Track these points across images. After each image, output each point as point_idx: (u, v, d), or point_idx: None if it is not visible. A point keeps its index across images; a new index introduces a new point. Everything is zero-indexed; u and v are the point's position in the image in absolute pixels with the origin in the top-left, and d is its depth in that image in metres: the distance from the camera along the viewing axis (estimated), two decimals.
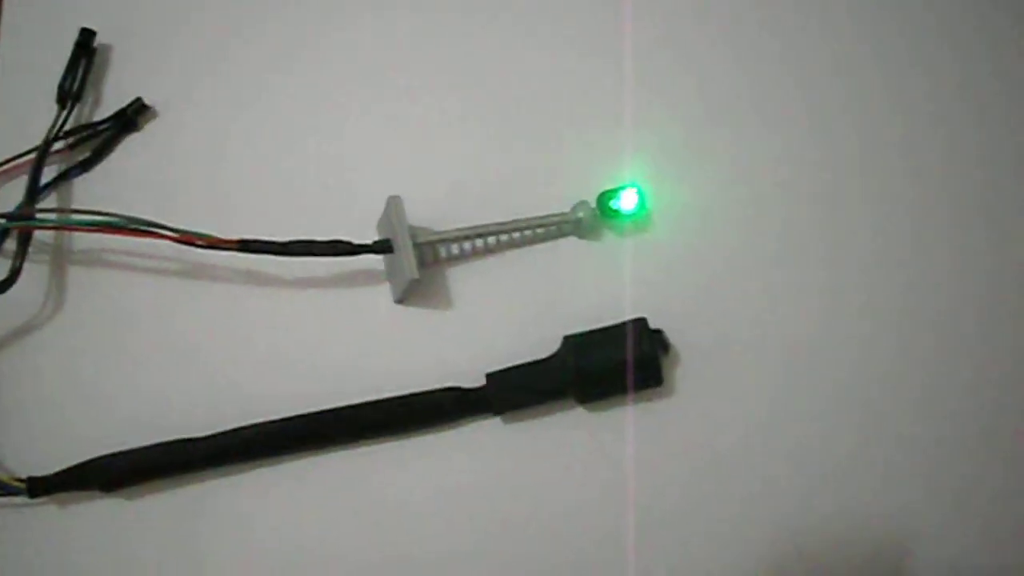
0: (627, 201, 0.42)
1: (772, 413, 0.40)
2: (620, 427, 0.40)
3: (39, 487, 0.38)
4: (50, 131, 0.42)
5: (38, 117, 0.43)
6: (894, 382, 0.41)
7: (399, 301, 0.41)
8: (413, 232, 0.40)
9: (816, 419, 0.40)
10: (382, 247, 0.40)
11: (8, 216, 0.41)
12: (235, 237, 0.39)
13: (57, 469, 0.38)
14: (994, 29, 0.46)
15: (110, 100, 0.45)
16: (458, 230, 0.41)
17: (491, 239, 0.42)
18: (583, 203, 0.42)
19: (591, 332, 0.40)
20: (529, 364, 0.40)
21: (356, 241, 0.40)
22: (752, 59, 0.46)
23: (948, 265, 0.43)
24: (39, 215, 0.41)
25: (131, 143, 0.44)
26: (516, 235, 0.42)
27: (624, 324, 0.40)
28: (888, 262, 0.43)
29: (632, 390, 0.40)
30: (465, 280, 0.42)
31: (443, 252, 0.42)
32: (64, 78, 0.44)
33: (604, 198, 0.42)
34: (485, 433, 0.40)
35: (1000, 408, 0.41)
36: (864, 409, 0.41)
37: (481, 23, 0.46)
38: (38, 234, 0.42)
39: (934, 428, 0.40)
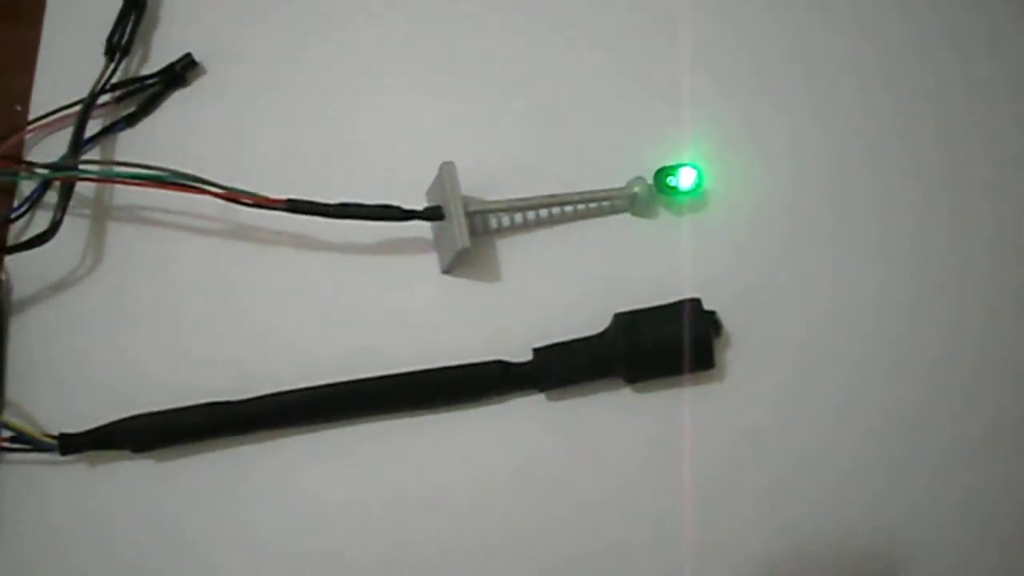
0: (685, 179, 0.41)
1: (824, 400, 0.39)
2: (668, 409, 0.39)
3: (71, 444, 0.37)
4: (96, 84, 0.42)
5: (85, 69, 0.42)
6: (947, 366, 0.40)
7: (447, 271, 0.40)
8: (465, 201, 0.39)
9: (869, 405, 0.40)
10: (433, 213, 0.39)
11: (51, 167, 0.40)
12: (282, 197, 0.38)
13: (89, 427, 0.37)
14: None
15: (158, 55, 0.44)
16: (510, 200, 0.40)
17: (543, 211, 0.41)
18: (639, 179, 0.41)
19: (642, 311, 0.39)
20: (577, 340, 0.39)
21: (406, 207, 0.39)
22: (813, 45, 0.45)
23: (989, 263, 0.42)
24: (82, 167, 0.40)
25: (178, 99, 0.44)
26: (569, 208, 0.41)
27: (677, 304, 0.39)
28: (939, 251, 0.42)
29: (683, 372, 0.39)
30: (515, 252, 0.41)
31: (494, 223, 0.41)
32: (113, 31, 0.43)
33: (661, 175, 0.41)
34: (529, 409, 0.39)
35: None
36: (919, 396, 0.40)
37: None
38: (80, 187, 0.41)
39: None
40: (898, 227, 0.42)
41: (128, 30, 0.43)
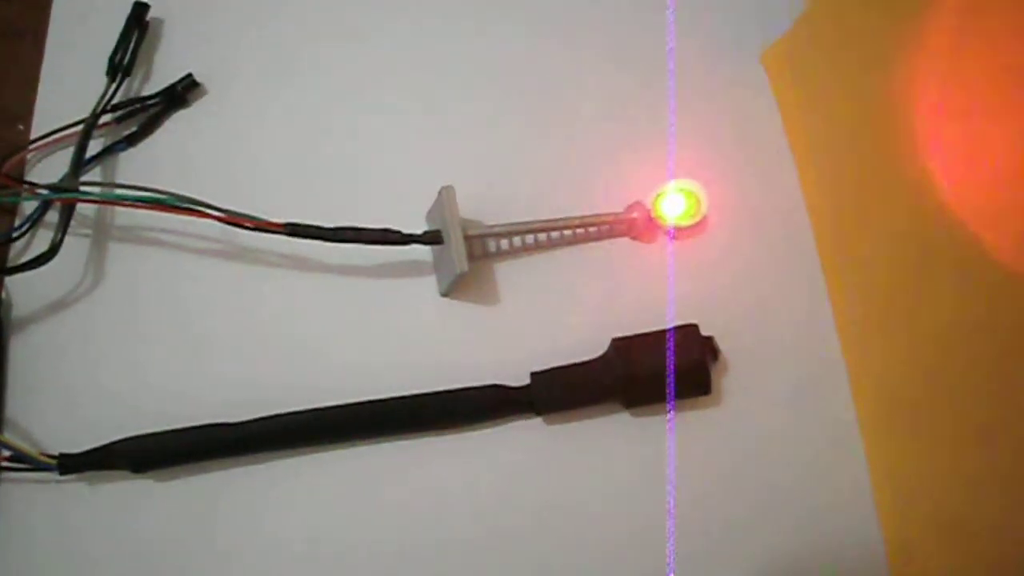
0: (682, 204, 0.41)
1: (822, 426, 0.39)
2: (665, 434, 0.39)
3: (70, 464, 0.38)
4: (98, 104, 0.42)
5: (87, 89, 0.42)
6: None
7: (445, 294, 0.41)
8: (464, 225, 0.39)
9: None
10: (432, 238, 0.39)
11: (53, 188, 0.40)
12: (282, 221, 0.38)
13: (88, 447, 0.38)
14: None
15: (160, 75, 0.44)
16: (510, 225, 0.40)
17: (542, 236, 0.41)
18: (637, 204, 0.41)
19: (640, 336, 0.39)
20: (575, 365, 0.39)
21: (405, 231, 0.39)
22: None
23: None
24: (83, 188, 0.40)
25: (179, 119, 0.44)
26: (568, 233, 0.41)
27: (674, 329, 0.39)
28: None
29: (679, 397, 0.39)
30: (514, 276, 0.41)
31: (493, 247, 0.41)
32: (115, 51, 0.43)
33: (659, 200, 0.41)
34: (527, 433, 0.39)
35: None
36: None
37: (548, 22, 0.45)
38: (80, 207, 0.41)
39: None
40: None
41: (130, 50, 0.44)
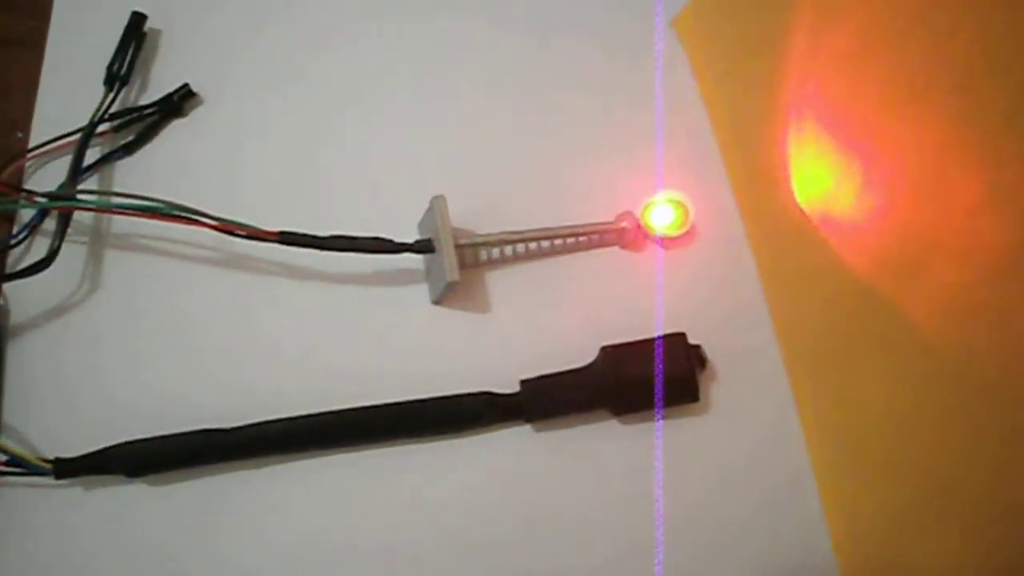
0: (671, 215, 0.41)
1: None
2: (653, 442, 0.39)
3: (65, 469, 0.38)
4: (96, 113, 0.43)
5: (85, 98, 0.43)
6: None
7: (437, 302, 0.41)
8: (455, 234, 0.39)
9: None
10: (424, 247, 0.39)
11: (51, 196, 0.41)
12: (275, 229, 0.39)
13: (84, 451, 0.38)
14: None
15: (157, 85, 0.45)
16: (500, 234, 0.41)
17: (533, 245, 0.41)
18: (627, 213, 0.41)
19: (629, 344, 0.39)
20: (565, 373, 0.39)
21: (397, 239, 0.39)
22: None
23: None
24: (80, 196, 0.41)
25: (175, 128, 0.44)
26: (558, 242, 0.42)
27: (663, 338, 0.39)
28: None
29: (667, 405, 0.39)
30: (504, 285, 0.42)
31: (484, 255, 0.41)
32: (113, 60, 0.44)
33: (648, 210, 0.41)
34: (516, 440, 0.40)
35: None
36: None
37: (537, 32, 0.46)
38: (78, 214, 0.42)
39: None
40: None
41: (128, 60, 0.44)
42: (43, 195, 0.41)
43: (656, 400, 0.39)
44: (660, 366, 0.39)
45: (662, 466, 0.39)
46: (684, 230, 0.42)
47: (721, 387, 0.40)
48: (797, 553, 0.38)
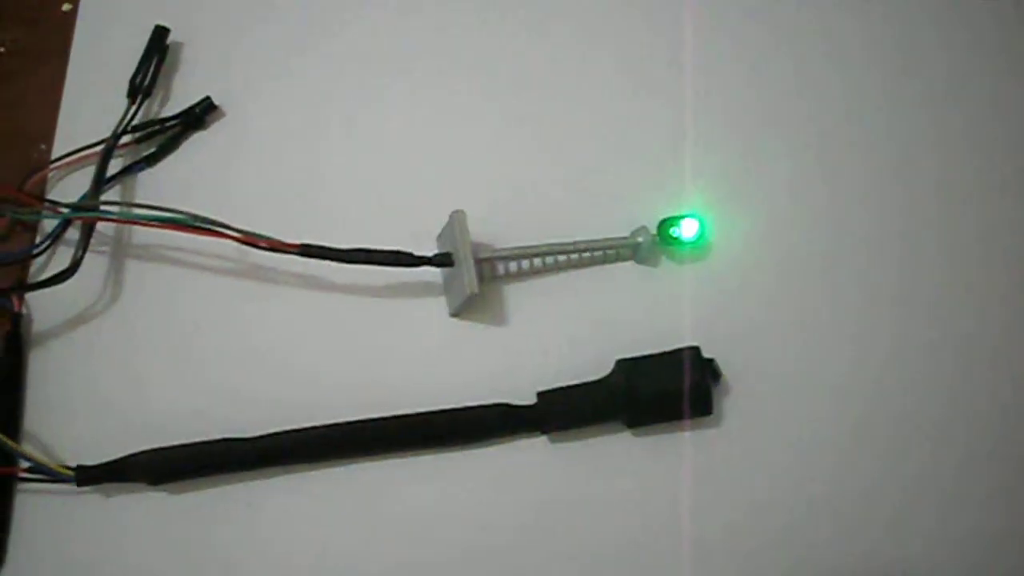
0: (687, 230, 0.42)
1: (823, 448, 0.40)
2: (668, 454, 0.40)
3: (87, 476, 0.38)
4: (119, 125, 0.43)
5: (108, 110, 0.43)
6: (954, 412, 0.41)
7: (455, 315, 0.42)
8: (474, 248, 0.40)
9: (868, 451, 0.40)
10: (443, 260, 0.40)
11: (73, 207, 0.41)
12: (296, 241, 0.39)
13: (105, 459, 0.38)
14: None
15: (179, 97, 0.45)
16: (518, 248, 0.41)
17: (550, 259, 0.42)
18: (643, 228, 0.42)
19: (644, 357, 0.40)
20: (580, 385, 0.40)
21: (416, 253, 0.40)
22: (818, 99, 0.46)
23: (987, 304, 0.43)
24: (103, 207, 0.42)
25: (197, 141, 0.45)
26: (575, 256, 0.42)
27: (677, 351, 0.40)
28: (954, 298, 0.43)
29: (682, 418, 0.40)
30: (522, 298, 0.42)
31: (502, 269, 0.42)
32: (136, 73, 0.44)
33: (664, 225, 0.42)
34: (532, 451, 0.40)
35: None
36: (923, 443, 0.40)
37: (554, 46, 0.47)
38: (100, 225, 0.42)
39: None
40: (907, 277, 0.43)
41: (150, 73, 0.45)
42: (66, 206, 0.41)
43: (671, 413, 0.39)
44: (674, 379, 0.39)
45: (676, 477, 0.40)
46: (699, 246, 0.42)
47: (735, 401, 0.41)
48: (809, 567, 0.39)
